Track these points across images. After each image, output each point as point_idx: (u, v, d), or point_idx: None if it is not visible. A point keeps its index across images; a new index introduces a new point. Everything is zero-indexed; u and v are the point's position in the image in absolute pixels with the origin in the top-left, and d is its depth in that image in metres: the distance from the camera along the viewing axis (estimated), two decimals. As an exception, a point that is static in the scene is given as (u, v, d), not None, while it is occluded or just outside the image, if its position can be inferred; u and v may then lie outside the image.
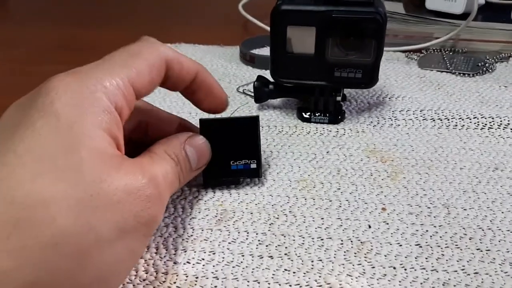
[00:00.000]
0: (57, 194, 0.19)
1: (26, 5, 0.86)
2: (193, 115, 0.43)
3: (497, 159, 0.36)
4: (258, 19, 0.63)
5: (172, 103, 0.45)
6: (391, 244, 0.28)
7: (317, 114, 0.41)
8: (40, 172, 0.19)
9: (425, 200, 0.31)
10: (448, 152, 0.37)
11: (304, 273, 0.26)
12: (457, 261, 0.27)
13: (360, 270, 0.26)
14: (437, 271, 0.26)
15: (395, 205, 0.31)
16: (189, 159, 0.28)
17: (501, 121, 0.40)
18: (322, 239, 0.28)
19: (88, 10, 0.80)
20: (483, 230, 0.29)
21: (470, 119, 0.41)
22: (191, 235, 0.29)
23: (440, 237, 0.28)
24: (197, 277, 0.26)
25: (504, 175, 0.34)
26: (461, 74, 0.50)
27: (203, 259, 0.27)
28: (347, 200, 0.32)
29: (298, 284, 0.26)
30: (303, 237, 0.29)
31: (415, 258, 0.27)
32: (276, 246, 0.28)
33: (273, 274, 0.26)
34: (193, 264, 0.27)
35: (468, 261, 0.27)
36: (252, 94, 0.43)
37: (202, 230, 0.29)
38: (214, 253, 0.28)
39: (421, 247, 0.28)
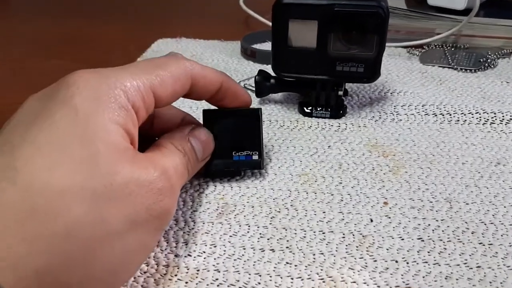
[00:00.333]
0: (72, 184, 0.19)
1: (27, 0, 0.86)
2: (194, 109, 0.42)
3: (499, 154, 0.35)
4: (259, 14, 0.63)
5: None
6: (393, 238, 0.28)
7: (318, 109, 0.41)
8: (57, 163, 0.20)
9: (427, 195, 0.31)
10: (450, 147, 0.36)
11: (306, 266, 0.26)
12: (460, 255, 0.27)
13: (362, 263, 0.26)
14: (439, 265, 0.26)
15: (397, 199, 0.31)
16: (194, 150, 0.28)
17: (503, 116, 0.40)
18: (323, 233, 0.28)
19: (90, 5, 0.80)
20: (485, 224, 0.29)
21: (472, 114, 0.41)
22: (192, 228, 0.29)
23: (442, 231, 0.28)
24: (198, 270, 0.26)
25: (506, 170, 0.34)
26: (463, 70, 0.49)
27: (204, 252, 0.27)
28: (348, 194, 0.32)
29: (300, 277, 0.25)
30: (305, 231, 0.29)
31: (417, 252, 0.27)
32: (277, 240, 0.28)
33: (275, 267, 0.26)
34: (194, 257, 0.27)
35: (470, 255, 0.27)
36: (253, 89, 0.43)
37: (203, 223, 0.29)
38: (215, 246, 0.28)
39: (423, 241, 0.28)
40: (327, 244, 0.28)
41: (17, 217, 0.18)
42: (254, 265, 0.26)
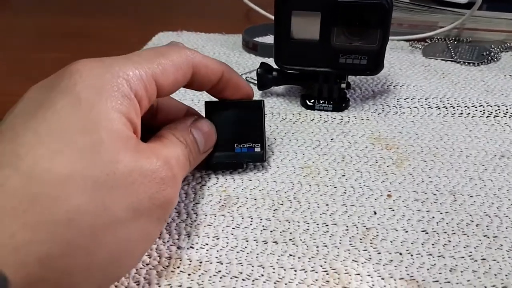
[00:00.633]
0: (74, 172, 0.19)
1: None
2: (195, 102, 0.42)
3: (503, 147, 0.35)
4: (261, 7, 0.63)
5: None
6: (397, 230, 0.28)
7: (321, 102, 0.40)
8: (59, 151, 0.20)
9: (431, 187, 0.31)
10: (454, 140, 0.36)
11: (309, 259, 0.26)
12: (464, 247, 0.26)
13: (366, 255, 0.26)
14: (444, 257, 0.26)
15: (400, 192, 0.31)
16: (196, 142, 0.28)
17: (507, 109, 0.40)
18: (327, 225, 0.28)
19: (89, 0, 0.80)
20: (489, 217, 0.29)
21: (476, 107, 0.40)
22: (195, 221, 0.29)
23: (447, 223, 0.28)
24: (201, 262, 0.26)
25: (510, 162, 0.33)
26: (466, 63, 0.49)
27: (206, 244, 0.27)
28: (352, 187, 0.31)
29: (303, 269, 0.25)
30: (308, 223, 0.28)
31: (422, 244, 0.27)
32: (280, 232, 0.28)
33: (278, 259, 0.26)
34: (197, 249, 0.27)
35: (475, 248, 0.26)
36: (255, 82, 0.43)
37: (206, 216, 0.29)
38: (217, 238, 0.27)
39: (427, 233, 0.27)
40: (330, 237, 0.27)
41: (20, 205, 0.18)
42: (257, 257, 0.26)
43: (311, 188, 0.31)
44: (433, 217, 0.29)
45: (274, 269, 0.25)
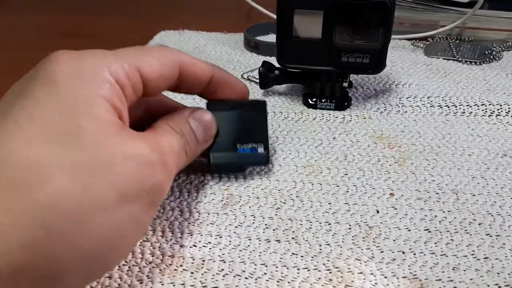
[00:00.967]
0: (54, 158, 0.19)
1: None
2: (197, 100, 0.42)
3: (505, 146, 0.35)
4: (263, 6, 0.63)
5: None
6: (399, 229, 0.28)
7: (323, 100, 0.40)
8: (38, 138, 0.19)
9: (434, 186, 0.31)
10: (456, 139, 0.36)
11: (312, 257, 0.26)
12: (467, 246, 0.26)
13: (368, 254, 0.26)
14: (447, 256, 0.26)
15: (403, 190, 0.31)
16: (194, 132, 0.27)
17: (509, 108, 0.40)
18: (329, 224, 0.28)
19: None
20: (492, 215, 0.29)
21: (478, 106, 0.40)
22: (197, 219, 0.29)
23: (449, 222, 0.28)
24: (203, 260, 0.26)
25: (513, 161, 0.33)
26: (468, 62, 0.49)
27: (209, 242, 0.27)
28: (354, 186, 0.31)
29: (306, 268, 0.25)
30: (311, 222, 0.28)
31: (424, 243, 0.27)
32: (283, 230, 0.28)
33: (281, 258, 0.26)
34: (200, 248, 0.27)
35: (477, 246, 0.26)
36: (257, 81, 0.43)
37: (208, 214, 0.29)
38: (220, 237, 0.27)
39: (430, 232, 0.27)
40: (333, 235, 0.27)
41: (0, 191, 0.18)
42: (260, 255, 0.26)
43: (314, 186, 0.31)
44: (436, 216, 0.29)
45: (277, 267, 0.25)
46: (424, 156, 0.34)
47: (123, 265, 0.26)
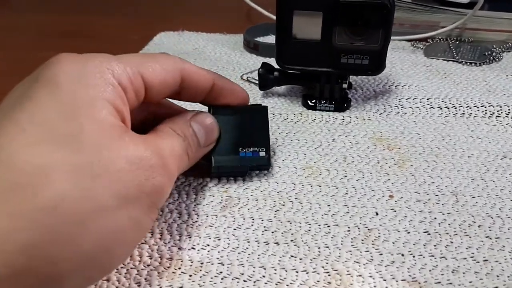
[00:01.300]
0: (54, 160, 0.19)
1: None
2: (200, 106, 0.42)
3: (505, 148, 0.35)
4: (262, 7, 0.62)
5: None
6: (399, 231, 0.28)
7: (322, 102, 0.40)
8: (39, 140, 0.19)
9: (433, 188, 0.31)
10: (456, 140, 0.36)
11: (311, 260, 0.26)
12: (466, 248, 0.26)
13: (367, 257, 0.26)
14: (446, 259, 0.26)
15: (402, 192, 0.31)
16: (196, 135, 0.27)
17: (509, 109, 0.40)
18: (328, 226, 0.28)
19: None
20: (492, 218, 0.28)
21: (478, 108, 0.40)
22: (196, 221, 0.29)
23: (449, 224, 0.28)
24: (202, 263, 0.26)
25: (513, 163, 0.33)
26: (468, 63, 0.49)
27: (208, 245, 0.27)
28: (353, 187, 0.31)
29: (305, 271, 0.25)
30: (310, 224, 0.28)
31: (424, 245, 0.27)
32: (282, 233, 0.28)
33: (279, 260, 0.26)
34: (198, 250, 0.27)
35: (477, 249, 0.26)
36: (257, 82, 0.43)
37: (207, 216, 0.29)
38: (219, 239, 0.27)
39: (429, 234, 0.27)
40: (332, 238, 0.27)
41: (0, 194, 0.18)
42: (258, 258, 0.26)
43: (313, 188, 0.31)
44: (435, 218, 0.28)
45: (275, 270, 0.25)
46: (424, 158, 0.34)
47: (121, 268, 0.26)
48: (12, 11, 0.74)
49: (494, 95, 0.42)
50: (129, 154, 0.21)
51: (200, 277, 0.25)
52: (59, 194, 0.19)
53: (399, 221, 0.28)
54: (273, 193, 0.31)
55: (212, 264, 0.26)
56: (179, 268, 0.25)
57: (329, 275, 0.25)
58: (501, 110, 0.40)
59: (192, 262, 0.26)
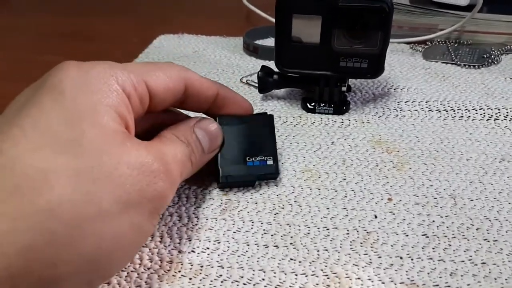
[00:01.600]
0: (56, 165, 0.19)
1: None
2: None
3: (503, 150, 0.35)
4: (262, 9, 0.63)
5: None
6: (397, 234, 0.28)
7: (321, 105, 0.41)
8: (42, 145, 0.20)
9: (432, 191, 0.31)
10: (454, 143, 0.36)
11: (310, 263, 0.26)
12: (464, 251, 0.26)
13: (366, 260, 0.26)
14: (444, 261, 0.26)
15: (401, 195, 0.31)
16: (200, 141, 0.27)
17: (507, 112, 0.40)
18: (327, 229, 0.28)
19: (91, 0, 0.80)
20: (490, 220, 0.29)
21: (476, 110, 0.41)
22: (196, 224, 0.29)
23: (447, 227, 0.28)
24: (202, 266, 0.26)
25: (511, 166, 0.33)
26: (467, 66, 0.49)
27: (208, 248, 0.27)
28: (352, 190, 0.31)
29: (304, 274, 0.25)
30: (309, 227, 0.28)
31: (422, 248, 0.27)
32: (281, 236, 0.28)
33: (279, 263, 0.26)
34: (198, 253, 0.27)
35: (475, 251, 0.26)
36: (256, 85, 0.43)
37: (207, 220, 0.29)
38: (219, 242, 0.27)
39: (427, 237, 0.27)
40: (331, 241, 0.27)
41: (1, 197, 0.18)
42: (258, 261, 0.26)
43: (312, 191, 0.31)
44: (434, 221, 0.29)
45: (275, 273, 0.25)
46: (422, 161, 0.34)
47: (122, 271, 0.26)
48: (12, 11, 0.75)
49: (493, 97, 0.43)
50: (131, 159, 0.22)
51: (200, 280, 0.25)
52: (59, 197, 0.19)
53: (398, 224, 0.28)
54: (272, 196, 0.31)
55: (212, 267, 0.26)
56: (179, 271, 0.26)
57: (328, 278, 0.25)
58: (499, 112, 0.40)
59: (192, 265, 0.26)
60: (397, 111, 0.41)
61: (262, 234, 0.28)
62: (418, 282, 0.25)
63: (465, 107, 0.41)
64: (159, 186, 0.22)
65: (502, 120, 0.39)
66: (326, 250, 0.27)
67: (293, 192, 0.31)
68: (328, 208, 0.30)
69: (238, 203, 0.30)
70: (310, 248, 0.27)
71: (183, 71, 0.27)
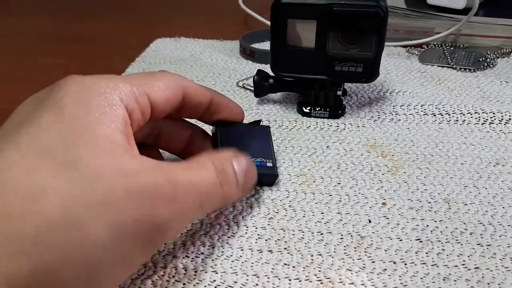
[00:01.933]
0: (49, 188, 0.19)
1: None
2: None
3: (498, 154, 0.35)
4: (258, 13, 0.63)
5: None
6: (391, 239, 0.28)
7: (317, 109, 0.41)
8: (37, 166, 0.19)
9: (426, 195, 0.31)
10: (449, 147, 0.36)
11: (304, 268, 0.26)
12: (458, 256, 0.27)
13: (360, 264, 0.26)
14: (438, 266, 0.26)
15: (395, 199, 0.31)
16: (236, 174, 0.25)
17: (502, 116, 0.40)
18: (321, 234, 0.28)
19: (88, 4, 0.80)
20: (484, 225, 0.29)
21: (471, 114, 0.41)
22: (190, 229, 0.29)
23: (441, 232, 0.28)
24: (196, 271, 0.26)
25: (505, 170, 0.34)
26: (462, 69, 0.49)
27: (202, 253, 0.27)
28: (347, 195, 0.31)
29: (298, 279, 0.25)
30: (303, 232, 0.28)
31: (416, 253, 0.27)
32: (275, 241, 0.28)
33: (272, 268, 0.26)
34: (192, 258, 0.27)
35: (468, 256, 0.26)
36: (252, 89, 0.43)
37: (201, 224, 0.29)
38: (213, 247, 0.27)
39: (421, 242, 0.28)
40: (325, 245, 0.27)
41: None
42: (252, 266, 0.26)
43: (307, 196, 0.31)
44: (427, 226, 0.29)
45: (268, 278, 0.25)
46: (417, 165, 0.34)
47: (116, 276, 0.26)
48: (11, 15, 0.75)
49: (488, 101, 0.43)
50: (129, 183, 0.20)
51: (194, 285, 0.25)
52: (46, 222, 0.18)
53: (392, 228, 0.29)
54: (267, 200, 0.31)
55: (206, 272, 0.26)
56: (173, 277, 0.26)
57: (321, 283, 0.25)
58: (494, 116, 0.40)
59: (186, 270, 0.26)
60: (392, 115, 0.41)
61: (256, 239, 0.28)
62: (411, 287, 0.25)
63: (460, 111, 0.41)
64: (160, 216, 0.21)
65: (497, 124, 0.39)
66: (320, 255, 0.27)
67: (287, 197, 0.31)
68: (322, 213, 0.30)
69: (232, 208, 0.30)
70: (304, 253, 0.27)
71: (180, 80, 0.27)
